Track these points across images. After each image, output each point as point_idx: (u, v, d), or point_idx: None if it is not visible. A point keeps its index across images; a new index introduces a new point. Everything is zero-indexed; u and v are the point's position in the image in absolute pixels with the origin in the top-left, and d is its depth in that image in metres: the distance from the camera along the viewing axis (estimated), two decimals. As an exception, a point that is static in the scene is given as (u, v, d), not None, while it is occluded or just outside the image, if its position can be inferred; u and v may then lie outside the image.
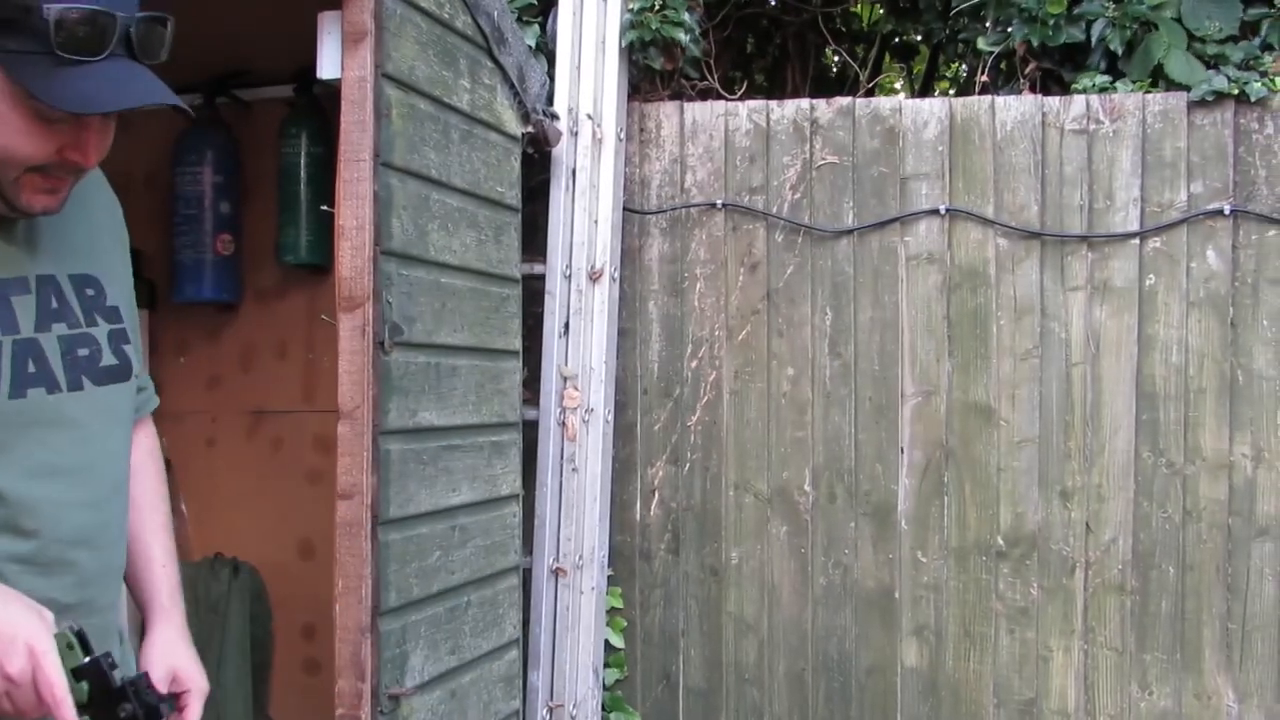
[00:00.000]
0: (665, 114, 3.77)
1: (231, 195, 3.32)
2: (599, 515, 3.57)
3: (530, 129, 3.29)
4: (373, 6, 2.45)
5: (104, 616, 1.49)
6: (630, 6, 3.70)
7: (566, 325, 3.56)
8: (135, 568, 1.62)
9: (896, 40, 4.72)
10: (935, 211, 3.58)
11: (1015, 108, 3.56)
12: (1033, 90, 3.74)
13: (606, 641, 3.65)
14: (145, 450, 1.70)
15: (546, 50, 3.70)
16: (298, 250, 3.26)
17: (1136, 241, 3.47)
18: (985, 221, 3.55)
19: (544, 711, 3.46)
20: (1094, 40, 3.67)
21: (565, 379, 3.54)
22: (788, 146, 3.68)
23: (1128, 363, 3.47)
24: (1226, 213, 3.40)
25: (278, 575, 3.35)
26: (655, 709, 3.75)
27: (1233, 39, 3.62)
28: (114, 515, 1.51)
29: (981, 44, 3.90)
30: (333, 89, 2.52)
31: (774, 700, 3.67)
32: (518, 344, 3.21)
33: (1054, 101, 3.55)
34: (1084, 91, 3.57)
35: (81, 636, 1.29)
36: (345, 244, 2.44)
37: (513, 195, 3.17)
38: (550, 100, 3.55)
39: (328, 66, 2.54)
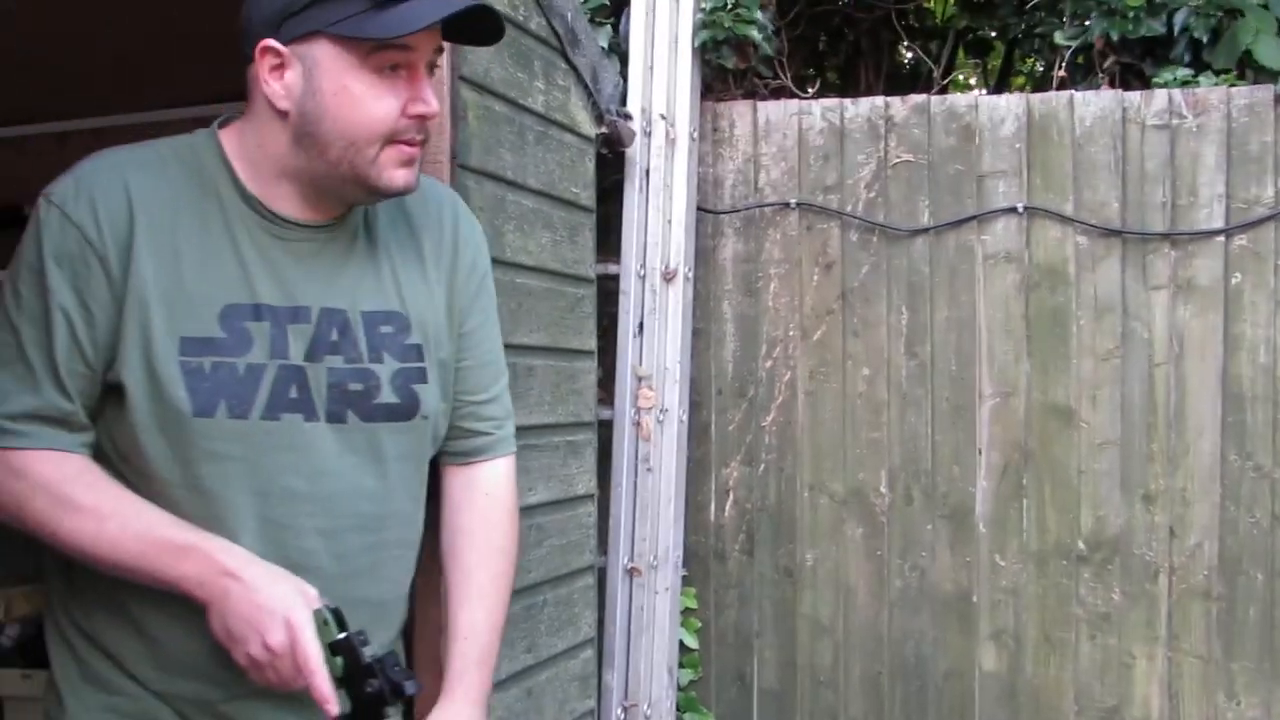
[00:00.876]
0: (738, 113, 3.75)
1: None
2: (674, 515, 3.57)
3: (604, 129, 3.28)
4: (449, 9, 2.47)
5: None
6: (703, 6, 3.70)
7: (641, 325, 3.57)
8: (445, 633, 1.62)
9: (970, 36, 4.67)
10: (1013, 209, 3.53)
11: (1094, 103, 3.50)
12: (1112, 85, 3.69)
13: (681, 642, 3.65)
14: (475, 515, 1.67)
15: (619, 50, 3.71)
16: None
17: (1222, 239, 3.40)
18: (1064, 219, 3.49)
19: (619, 711, 3.47)
20: (1176, 31, 3.60)
21: (640, 379, 3.54)
22: (862, 145, 3.65)
23: (1213, 363, 3.40)
24: (1316, 208, 3.33)
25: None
26: (730, 710, 3.73)
27: (1324, 27, 3.55)
28: (355, 546, 1.49)
29: (1058, 38, 3.85)
30: (410, 92, 2.54)
31: (849, 704, 3.64)
32: (593, 344, 3.20)
33: (1134, 96, 3.49)
34: (1165, 86, 3.51)
35: (338, 614, 1.35)
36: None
37: (587, 196, 3.17)
38: (623, 100, 3.55)
39: (404, 69, 2.56)
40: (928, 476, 3.59)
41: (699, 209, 3.71)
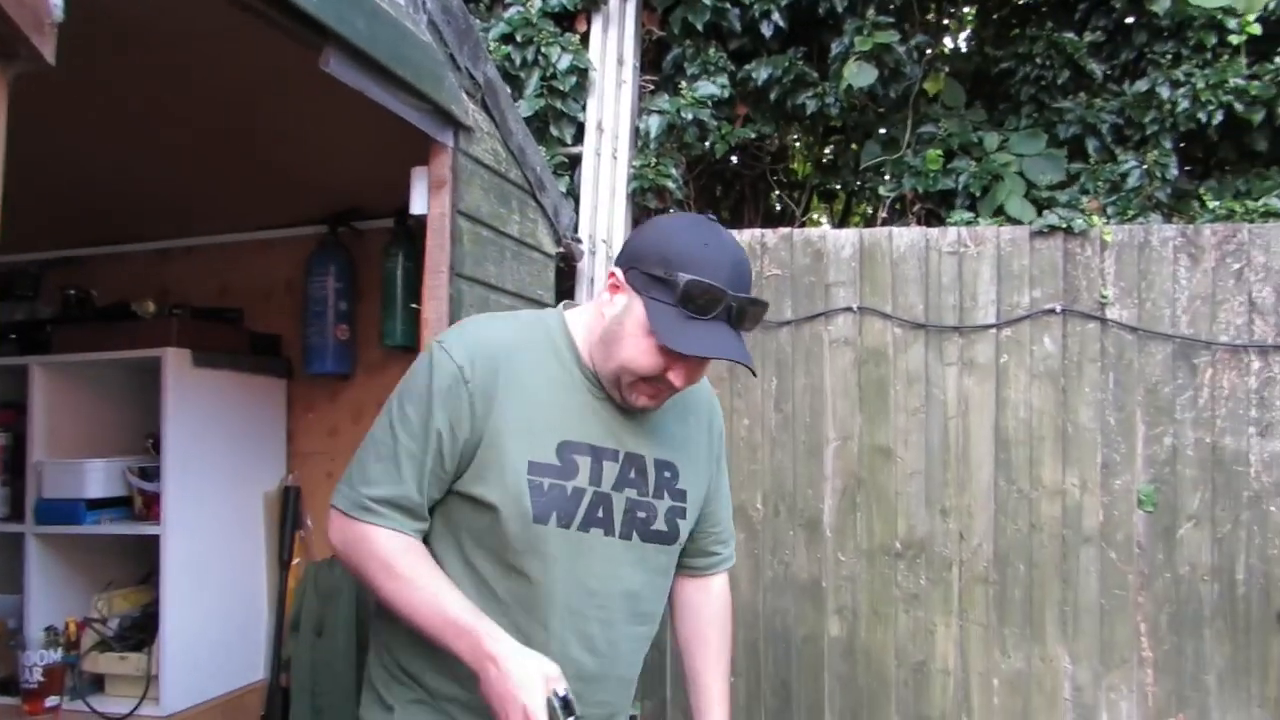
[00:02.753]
0: (658, 239, 3.76)
1: (348, 296, 3.29)
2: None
3: (561, 249, 3.27)
4: (450, 163, 2.46)
5: (600, 710, 1.44)
6: (633, 163, 3.73)
7: (587, 389, 3.54)
8: (696, 706, 1.60)
9: (822, 188, 4.75)
10: (850, 309, 3.56)
11: (906, 236, 3.56)
12: (919, 223, 3.77)
13: (614, 617, 3.59)
14: (713, 612, 1.63)
15: (574, 194, 3.73)
16: (395, 336, 3.20)
17: (994, 331, 3.46)
18: (885, 316, 3.54)
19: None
20: (961, 187, 3.70)
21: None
22: (745, 262, 3.68)
23: (988, 418, 3.45)
24: (1058, 311, 3.40)
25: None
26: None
27: (1061, 185, 3.66)
28: (621, 634, 1.45)
29: (882, 190, 3.94)
30: (422, 221, 2.52)
31: (736, 661, 3.59)
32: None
33: (934, 231, 3.55)
34: (955, 224, 3.59)
35: (566, 701, 1.26)
36: (428, 332, 2.42)
37: (548, 296, 3.15)
38: (576, 229, 3.56)
39: (418, 205, 2.53)
40: (790, 497, 3.59)
41: (630, 306, 3.71)
